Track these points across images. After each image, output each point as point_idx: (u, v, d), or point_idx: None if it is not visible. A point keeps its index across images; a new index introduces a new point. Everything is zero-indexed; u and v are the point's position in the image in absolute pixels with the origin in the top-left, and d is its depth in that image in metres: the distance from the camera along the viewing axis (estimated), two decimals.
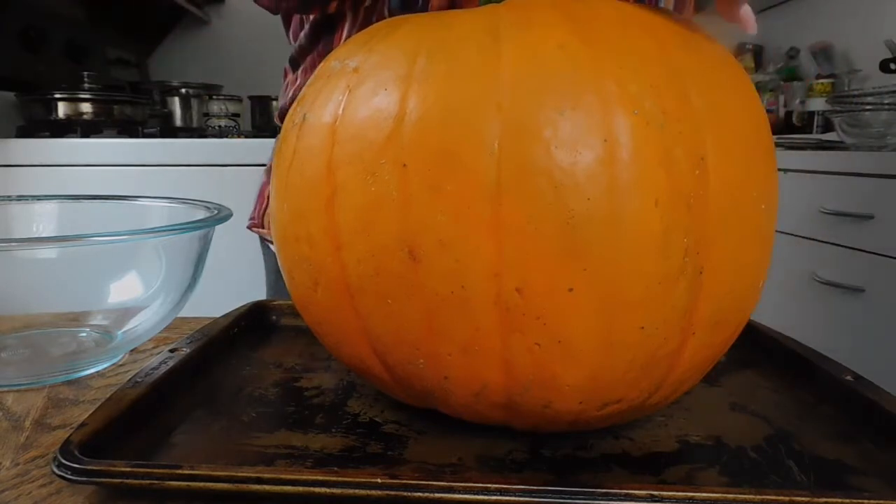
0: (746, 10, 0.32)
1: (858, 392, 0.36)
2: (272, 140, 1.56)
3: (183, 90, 1.95)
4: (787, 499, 0.26)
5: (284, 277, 0.35)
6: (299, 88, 0.57)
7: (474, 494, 0.26)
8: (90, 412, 0.32)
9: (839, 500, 0.26)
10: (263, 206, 0.72)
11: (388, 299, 0.29)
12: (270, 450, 0.32)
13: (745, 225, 0.29)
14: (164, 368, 0.38)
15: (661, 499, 0.26)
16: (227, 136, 1.84)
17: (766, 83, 2.16)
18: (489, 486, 0.26)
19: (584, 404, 0.30)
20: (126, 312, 0.44)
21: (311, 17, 0.57)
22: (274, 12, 0.51)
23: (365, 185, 0.28)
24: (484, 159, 0.26)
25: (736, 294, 0.30)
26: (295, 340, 0.49)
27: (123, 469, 0.27)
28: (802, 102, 2.07)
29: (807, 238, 1.42)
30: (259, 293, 0.65)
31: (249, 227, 0.74)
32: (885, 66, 1.65)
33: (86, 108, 1.61)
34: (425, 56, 0.29)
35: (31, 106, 1.63)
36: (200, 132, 1.92)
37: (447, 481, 0.26)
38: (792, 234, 1.46)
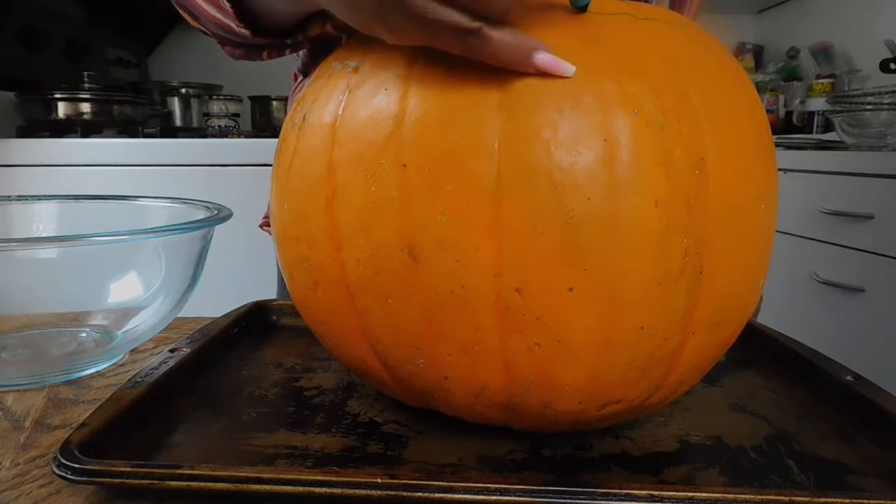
0: (544, 59, 0.26)
1: (858, 392, 0.36)
2: (273, 140, 1.56)
3: (183, 90, 1.94)
4: (787, 499, 0.26)
5: (285, 277, 0.35)
6: None
7: (474, 494, 0.26)
8: (90, 412, 0.32)
9: (839, 500, 0.26)
10: None
11: (388, 299, 0.29)
12: (270, 450, 0.32)
13: (745, 225, 0.29)
14: (164, 368, 0.38)
15: (661, 499, 0.26)
16: (227, 136, 1.84)
17: (766, 83, 2.16)
18: (489, 486, 0.26)
19: (584, 404, 0.30)
20: (126, 312, 0.44)
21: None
22: (234, 58, 0.53)
23: (365, 185, 0.28)
24: (483, 159, 0.26)
25: (736, 294, 0.30)
26: (295, 340, 0.49)
27: (123, 469, 0.27)
28: (802, 102, 2.06)
29: (807, 238, 1.42)
30: (261, 292, 0.65)
31: (261, 227, 0.74)
32: (885, 66, 1.65)
33: (86, 108, 1.61)
34: (425, 56, 0.29)
35: (31, 106, 1.63)
36: (200, 132, 1.91)
37: (447, 481, 0.26)
38: (792, 234, 1.46)
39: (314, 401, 0.38)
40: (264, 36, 0.46)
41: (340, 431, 0.34)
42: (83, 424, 0.31)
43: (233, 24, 0.46)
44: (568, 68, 0.27)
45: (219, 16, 0.46)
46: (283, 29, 0.46)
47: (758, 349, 0.46)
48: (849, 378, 0.38)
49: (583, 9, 0.30)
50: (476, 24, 0.25)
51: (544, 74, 0.27)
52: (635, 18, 0.30)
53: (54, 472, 0.27)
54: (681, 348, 0.30)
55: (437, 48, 0.27)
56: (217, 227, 0.43)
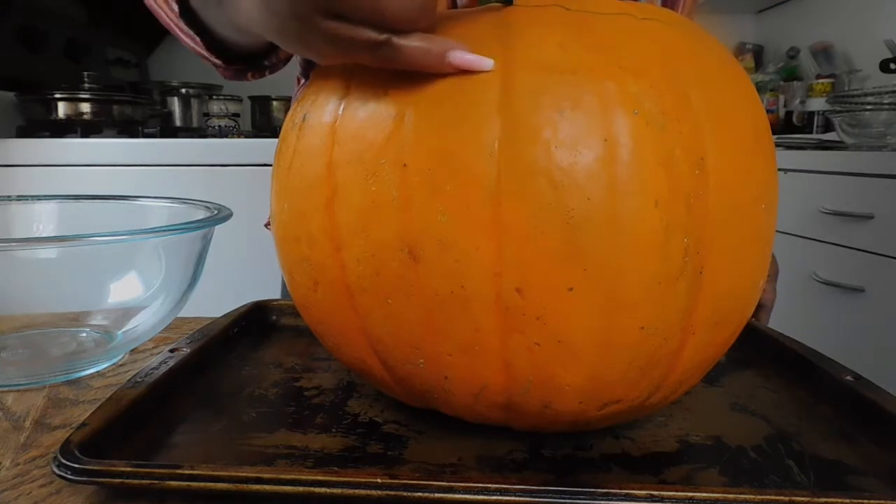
0: (459, 58, 0.27)
1: (858, 392, 0.36)
2: (273, 140, 1.56)
3: (183, 90, 1.94)
4: (787, 499, 0.26)
5: (285, 277, 0.35)
6: None
7: (474, 494, 0.26)
8: (90, 412, 0.32)
9: (839, 500, 0.26)
10: None
11: (388, 299, 0.29)
12: (270, 450, 0.32)
13: (745, 225, 0.29)
14: (164, 368, 0.38)
15: (661, 499, 0.26)
16: (227, 136, 1.84)
17: (766, 83, 2.16)
18: (489, 486, 0.26)
19: (583, 404, 0.30)
20: (126, 312, 0.44)
21: None
22: (226, 79, 0.54)
23: (365, 185, 0.28)
24: (484, 159, 0.26)
25: (736, 294, 0.30)
26: (295, 340, 0.49)
27: (123, 469, 0.27)
28: (802, 102, 2.06)
29: (807, 238, 1.42)
30: (262, 292, 0.65)
31: (266, 226, 0.74)
32: (885, 66, 1.65)
33: (86, 108, 1.61)
34: None
35: (31, 106, 1.63)
36: (200, 132, 1.91)
37: (447, 481, 0.26)
38: (792, 234, 1.46)
39: (314, 401, 0.38)
40: (238, 63, 0.48)
41: (340, 431, 0.34)
42: (83, 424, 0.31)
43: (207, 56, 0.47)
44: (486, 63, 0.27)
45: (197, 48, 0.47)
46: (256, 53, 0.47)
47: (758, 349, 0.46)
48: (849, 378, 0.38)
49: (508, 1, 0.30)
50: (384, 37, 0.27)
51: (464, 72, 0.27)
52: (635, 18, 0.30)
53: (54, 472, 0.27)
54: (681, 348, 0.30)
55: (362, 64, 0.28)
56: (217, 227, 0.43)
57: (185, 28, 0.46)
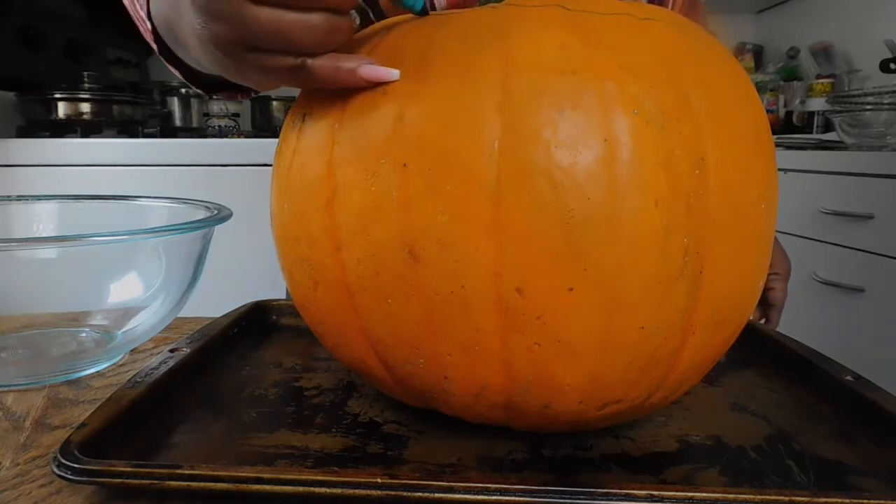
0: (368, 72, 0.28)
1: (858, 392, 0.36)
2: (273, 140, 1.56)
3: (183, 90, 1.94)
4: (787, 499, 0.26)
5: (285, 277, 0.35)
6: None
7: (474, 494, 0.26)
8: (90, 412, 0.32)
9: (839, 500, 0.26)
10: None
11: (388, 299, 0.29)
12: (270, 450, 0.32)
13: (745, 225, 0.29)
14: (164, 368, 0.38)
15: (661, 499, 0.26)
16: (227, 136, 1.84)
17: (766, 83, 2.16)
18: (489, 486, 0.26)
19: (583, 404, 0.30)
20: (126, 312, 0.44)
21: None
22: (224, 99, 0.56)
23: (365, 184, 0.28)
24: (484, 159, 0.26)
25: (736, 294, 0.30)
26: (295, 340, 0.49)
27: (123, 469, 0.27)
28: (802, 102, 2.06)
29: (807, 238, 1.42)
30: (261, 292, 0.65)
31: None
32: (885, 66, 1.65)
33: (86, 108, 1.61)
34: (425, 56, 0.29)
35: (31, 106, 1.63)
36: (200, 132, 1.91)
37: (447, 481, 0.26)
38: (792, 234, 1.46)
39: (314, 401, 0.38)
40: (222, 90, 0.51)
41: (340, 431, 0.34)
42: (83, 424, 0.31)
43: (191, 87, 0.50)
44: (392, 73, 0.29)
45: (182, 79, 0.49)
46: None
47: (758, 349, 0.46)
48: (849, 378, 0.38)
49: (423, 12, 0.32)
50: (299, 61, 0.28)
51: (375, 85, 0.29)
52: (635, 18, 0.30)
53: (54, 472, 0.27)
54: (681, 348, 0.30)
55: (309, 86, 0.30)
56: (217, 227, 0.43)
57: (166, 63, 0.48)
